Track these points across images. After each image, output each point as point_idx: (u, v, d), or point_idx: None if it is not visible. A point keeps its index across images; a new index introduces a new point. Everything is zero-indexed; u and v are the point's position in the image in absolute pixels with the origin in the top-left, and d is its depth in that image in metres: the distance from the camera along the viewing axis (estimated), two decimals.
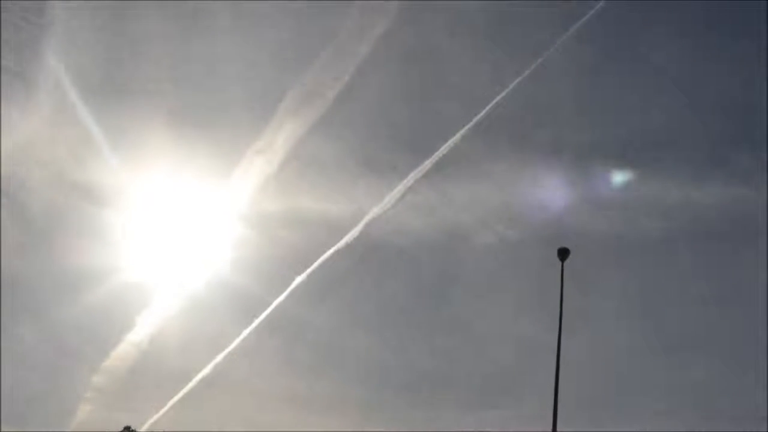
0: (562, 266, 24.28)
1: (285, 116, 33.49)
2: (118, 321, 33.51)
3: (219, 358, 32.95)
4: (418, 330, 37.81)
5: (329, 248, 33.85)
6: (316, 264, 33.55)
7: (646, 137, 38.07)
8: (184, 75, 35.39)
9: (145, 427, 31.69)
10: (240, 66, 35.29)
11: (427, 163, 34.14)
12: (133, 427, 31.40)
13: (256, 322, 33.22)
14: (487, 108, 33.82)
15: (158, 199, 34.90)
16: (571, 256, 24.56)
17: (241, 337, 33.11)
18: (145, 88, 34.94)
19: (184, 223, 35.17)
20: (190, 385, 32.60)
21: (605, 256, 36.66)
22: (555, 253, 24.74)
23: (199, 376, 32.71)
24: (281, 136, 33.58)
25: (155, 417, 31.75)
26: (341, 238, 34.01)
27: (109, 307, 33.31)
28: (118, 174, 33.70)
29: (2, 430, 30.29)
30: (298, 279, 33.39)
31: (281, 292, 33.39)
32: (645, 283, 37.55)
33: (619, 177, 36.45)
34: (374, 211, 34.46)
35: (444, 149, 34.06)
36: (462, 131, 34.03)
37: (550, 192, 36.48)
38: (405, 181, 34.32)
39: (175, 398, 32.20)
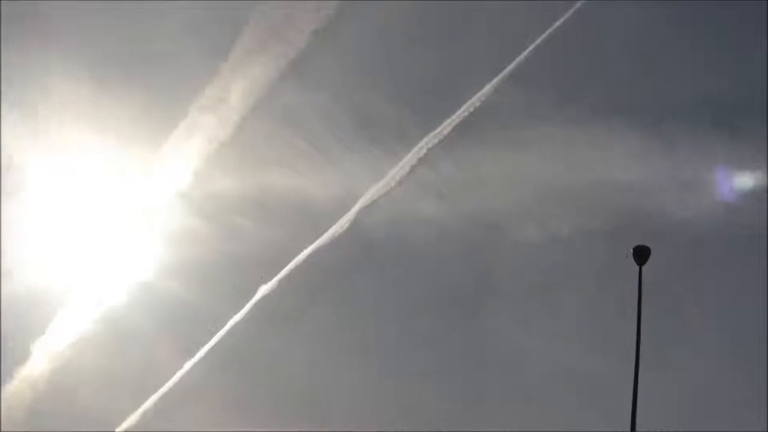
0: (640, 272, 21.82)
1: (244, 57, 29.72)
2: (8, 348, 30.24)
3: (150, 402, 29.88)
4: (433, 361, 33.46)
5: (308, 245, 30.78)
6: (289, 267, 30.49)
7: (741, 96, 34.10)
8: (107, 16, 31.38)
9: None
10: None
11: (446, 126, 30.76)
12: None
13: (203, 350, 30.01)
14: (528, 50, 30.57)
15: (68, 178, 31.58)
16: (652, 257, 22.26)
17: (182, 372, 29.92)
18: (48, 27, 31.18)
19: (103, 211, 31.35)
20: None
21: (700, 256, 33.32)
22: (622, 248, 22.81)
23: (122, 428, 30.04)
24: (238, 86, 29.94)
25: None
26: (325, 230, 30.96)
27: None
28: (14, 144, 30.47)
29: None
30: (264, 289, 30.32)
31: (239, 309, 30.24)
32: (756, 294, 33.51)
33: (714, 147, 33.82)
34: (372, 193, 31.26)
35: (469, 106, 30.62)
36: (494, 81, 30.66)
37: (614, 166, 33.65)
38: (415, 150, 31.08)
39: None
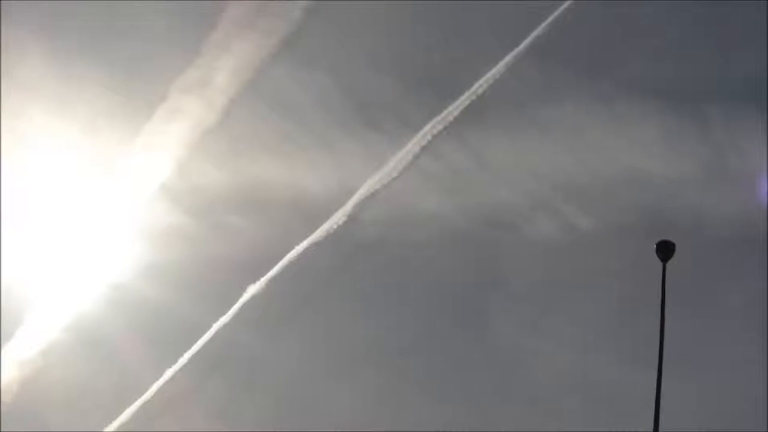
0: (664, 269, 20.19)
1: (230, 33, 27.84)
2: None
3: (127, 414, 28.59)
4: (437, 370, 32.95)
5: (300, 242, 29.50)
6: (279, 266, 29.27)
7: None
8: None
9: None
10: None
11: (453, 109, 29.28)
12: None
13: (186, 357, 28.65)
14: (546, 22, 28.92)
15: (32, 170, 30.18)
16: (677, 253, 20.54)
17: (162, 381, 28.58)
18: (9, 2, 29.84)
19: (75, 206, 29.73)
20: None
21: (731, 254, 32.51)
22: (652, 248, 20.68)
23: None
24: (224, 65, 28.08)
25: None
26: (319, 226, 29.67)
27: None
28: None
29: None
30: (252, 290, 29.07)
31: (225, 312, 28.96)
32: None
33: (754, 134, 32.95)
34: (370, 185, 29.96)
35: (478, 87, 29.10)
36: (506, 58, 29.10)
37: (644, 153, 32.73)
38: (418, 136, 29.64)
39: None
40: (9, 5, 29.43)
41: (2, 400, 29.61)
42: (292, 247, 29.59)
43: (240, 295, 29.02)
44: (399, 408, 32.29)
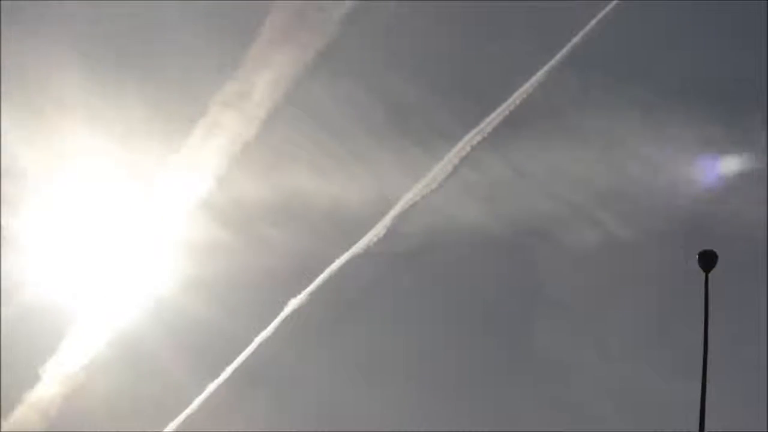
0: (707, 279, 19.84)
1: (268, 47, 28.11)
2: (15, 370, 29.09)
3: (170, 428, 28.99)
4: (477, 380, 33.03)
5: (340, 255, 29.80)
6: (320, 279, 29.43)
7: None
8: None
9: None
10: None
11: (491, 120, 29.41)
12: None
13: (228, 371, 28.94)
14: (584, 30, 29.02)
15: (78, 185, 30.24)
16: (720, 263, 20.26)
17: (206, 393, 28.85)
18: (50, 17, 29.96)
19: (117, 221, 30.08)
20: None
21: None
22: (691, 255, 20.34)
23: None
24: (262, 79, 28.39)
25: None
26: (359, 239, 29.87)
27: (2, 348, 28.83)
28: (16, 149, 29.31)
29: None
30: (293, 304, 29.29)
31: (267, 325, 29.20)
32: None
33: None
34: (409, 197, 30.01)
35: (516, 97, 29.32)
36: (544, 68, 29.31)
37: (684, 161, 32.42)
38: (456, 148, 29.77)
39: None
40: (47, 23, 29.44)
41: (46, 414, 29.42)
42: (333, 260, 29.70)
43: (281, 308, 29.23)
44: (440, 419, 32.01)
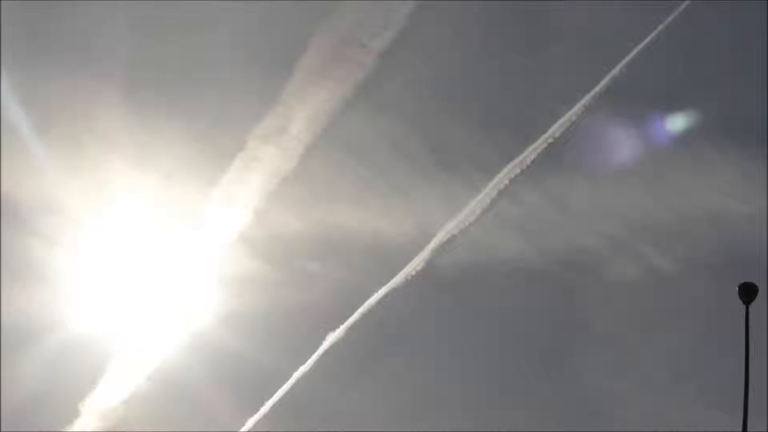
0: (747, 311, 20.43)
1: (306, 81, 27.70)
2: (55, 405, 29.04)
3: None
4: (518, 415, 31.41)
5: (379, 288, 29.22)
6: (358, 313, 29.00)
7: None
8: (148, 26, 30.17)
9: None
10: (234, 7, 29.84)
11: (530, 153, 29.07)
12: None
13: (267, 406, 28.61)
14: (623, 62, 28.46)
15: (114, 219, 30.05)
16: (761, 295, 20.76)
17: (245, 428, 28.62)
18: (90, 54, 30.08)
19: (155, 255, 29.98)
20: None
21: None
22: (734, 289, 20.81)
23: None
24: (301, 113, 28.04)
25: None
26: (398, 272, 29.36)
27: (41, 383, 28.93)
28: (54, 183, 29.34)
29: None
30: (332, 338, 29.01)
31: (306, 359, 28.93)
32: None
33: None
34: (448, 230, 29.50)
35: (556, 130, 28.99)
36: (584, 100, 28.73)
37: (725, 193, 31.63)
38: (495, 180, 29.33)
39: None
40: (90, 58, 29.46)
41: None
42: (371, 294, 29.34)
43: (320, 342, 28.94)
44: None
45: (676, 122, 32.29)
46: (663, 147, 32.23)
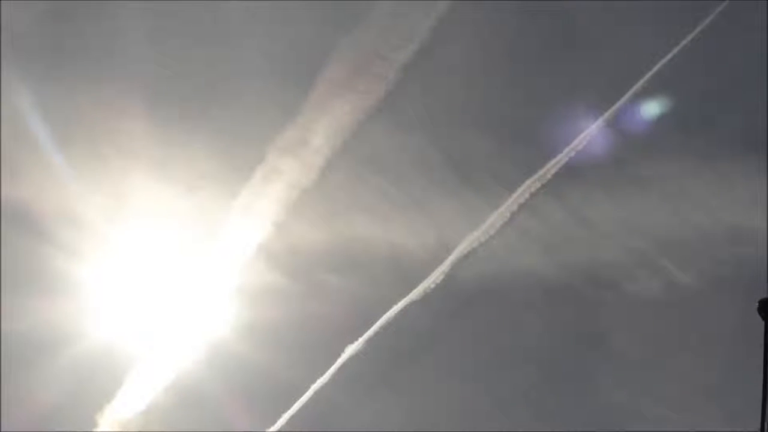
0: (766, 328, 17.93)
1: (327, 94, 27.57)
2: (73, 417, 28.88)
3: None
4: (537, 429, 31.05)
5: (399, 301, 29.09)
6: (377, 326, 28.97)
7: None
8: (169, 39, 29.68)
9: None
10: (256, 20, 29.63)
11: (551, 167, 28.94)
12: None
13: (285, 418, 28.59)
14: (646, 77, 28.30)
15: (134, 231, 29.95)
16: None
17: None
18: (113, 68, 29.72)
19: (174, 267, 29.91)
20: None
21: None
22: (755, 307, 18.18)
23: None
24: (321, 126, 28.01)
25: None
26: (417, 285, 29.16)
27: (60, 394, 28.94)
28: (73, 192, 29.03)
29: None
30: (350, 350, 29.00)
31: (324, 372, 28.97)
32: None
33: None
34: (468, 243, 29.29)
35: (577, 144, 28.82)
36: (606, 114, 28.56)
37: (747, 209, 30.63)
38: (516, 194, 29.17)
39: None
40: (113, 72, 29.14)
41: None
42: (390, 306, 29.18)
43: (338, 354, 28.88)
44: None
45: (697, 135, 32.22)
46: (685, 161, 31.48)
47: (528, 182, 29.21)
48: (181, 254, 29.90)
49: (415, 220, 31.95)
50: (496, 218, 29.38)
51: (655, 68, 28.17)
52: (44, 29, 29.50)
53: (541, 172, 29.08)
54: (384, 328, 29.14)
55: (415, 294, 29.23)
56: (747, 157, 31.42)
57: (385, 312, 29.19)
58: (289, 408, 28.77)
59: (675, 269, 32.09)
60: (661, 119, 31.29)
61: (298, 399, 28.77)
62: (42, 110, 28.68)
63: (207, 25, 29.84)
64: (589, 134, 28.92)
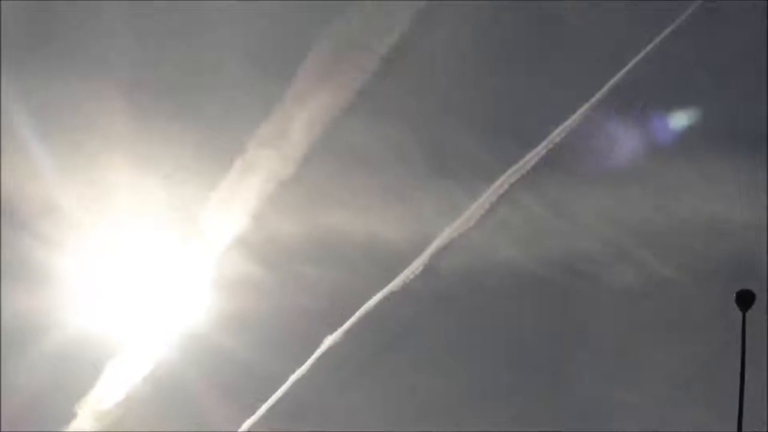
0: (744, 319, 20.77)
1: (307, 87, 27.31)
2: (51, 408, 29.03)
3: None
4: (515, 421, 30.58)
5: (377, 292, 28.87)
6: (356, 317, 28.74)
7: None
8: (148, 30, 29.31)
9: None
10: (235, 12, 29.17)
11: (531, 158, 28.53)
12: None
13: (263, 409, 28.58)
14: (626, 68, 27.94)
15: (110, 221, 29.40)
16: (758, 302, 21.06)
17: (241, 431, 28.59)
18: (90, 57, 29.17)
19: (152, 258, 29.50)
20: None
21: None
22: (732, 298, 21.22)
23: None
24: (301, 118, 27.55)
25: None
26: (396, 276, 28.96)
27: (37, 385, 28.92)
28: (52, 183, 28.67)
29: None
30: (329, 341, 28.81)
31: (303, 362, 28.77)
32: None
33: None
34: (447, 234, 29.06)
35: (556, 135, 28.36)
36: (586, 105, 28.14)
37: (725, 201, 30.67)
38: (495, 186, 28.82)
39: None
40: (91, 62, 28.95)
41: None
42: (369, 298, 28.98)
43: (317, 345, 28.70)
44: None
45: (678, 128, 31.91)
46: (664, 153, 31.35)
47: (507, 174, 28.90)
48: (159, 245, 29.39)
49: (394, 211, 31.25)
50: (475, 209, 29.11)
51: (636, 59, 27.90)
52: (23, 20, 28.84)
53: (520, 164, 28.66)
54: (363, 319, 28.89)
55: (394, 285, 28.96)
56: (727, 149, 31.19)
57: (364, 303, 28.96)
58: (267, 399, 28.53)
59: (654, 261, 31.66)
60: (640, 110, 30.85)
61: (277, 390, 28.64)
62: (19, 98, 28.05)
63: (186, 16, 29.18)
64: (569, 126, 28.53)
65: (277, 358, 29.00)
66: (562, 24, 30.99)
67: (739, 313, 20.89)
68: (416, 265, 28.69)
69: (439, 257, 28.90)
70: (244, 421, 28.30)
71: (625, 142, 31.03)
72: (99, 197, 28.59)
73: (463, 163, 31.01)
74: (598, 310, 31.78)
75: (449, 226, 28.85)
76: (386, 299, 28.52)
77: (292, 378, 28.20)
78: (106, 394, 28.55)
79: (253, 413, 28.28)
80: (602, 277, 31.76)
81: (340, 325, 28.46)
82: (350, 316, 28.49)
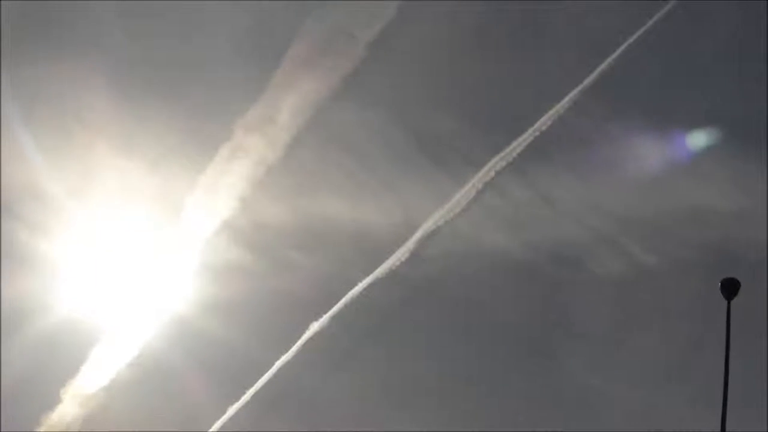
0: (729, 307, 19.56)
1: (293, 72, 27.52)
2: (36, 392, 28.83)
3: None
4: (501, 408, 31.10)
5: (363, 279, 29.10)
6: (342, 303, 28.87)
7: None
8: (135, 15, 29.29)
9: None
10: None
11: (517, 146, 28.78)
12: None
13: (249, 394, 28.53)
14: (611, 57, 28.47)
15: (99, 206, 29.56)
16: (743, 291, 19.78)
17: (227, 416, 28.49)
18: (77, 44, 29.55)
19: (140, 242, 29.58)
20: None
21: None
22: (717, 285, 19.89)
23: None
24: (287, 104, 27.95)
25: None
26: (382, 263, 29.20)
27: (23, 370, 28.57)
28: (37, 167, 28.85)
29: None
30: (315, 327, 28.78)
31: (289, 348, 28.73)
32: None
33: None
34: (433, 221, 29.39)
35: (542, 123, 28.63)
36: (571, 94, 28.44)
37: (710, 190, 31.09)
38: (481, 173, 29.10)
39: None
40: (78, 48, 28.99)
41: None
42: (355, 284, 29.18)
43: (303, 331, 28.74)
44: None
45: (663, 117, 32.08)
46: (650, 143, 31.46)
47: (493, 161, 29.22)
48: (145, 230, 29.47)
49: (380, 197, 31.95)
50: (461, 197, 29.44)
51: (620, 50, 28.09)
52: (9, 4, 28.69)
53: (506, 151, 29.03)
54: (349, 306, 29.13)
55: (380, 271, 29.24)
56: (711, 139, 31.11)
57: (350, 289, 29.18)
58: (252, 385, 28.59)
59: (638, 249, 32.03)
60: (627, 100, 31.00)
61: (262, 376, 28.73)
62: (6, 85, 28.04)
63: (174, 3, 29.35)
64: (555, 114, 28.60)
65: (263, 344, 29.13)
66: (550, 13, 31.01)
67: (724, 301, 20.05)
68: (402, 252, 28.83)
69: (426, 244, 29.14)
70: (229, 406, 28.10)
71: (610, 130, 31.14)
72: (85, 183, 28.82)
73: (449, 150, 31.41)
74: (583, 296, 32.13)
75: (436, 213, 29.07)
76: (372, 285, 28.58)
77: (278, 363, 28.11)
78: (91, 379, 28.35)
79: (239, 399, 28.15)
80: (587, 264, 32.31)
81: (327, 310, 28.53)
82: (336, 303, 28.59)
